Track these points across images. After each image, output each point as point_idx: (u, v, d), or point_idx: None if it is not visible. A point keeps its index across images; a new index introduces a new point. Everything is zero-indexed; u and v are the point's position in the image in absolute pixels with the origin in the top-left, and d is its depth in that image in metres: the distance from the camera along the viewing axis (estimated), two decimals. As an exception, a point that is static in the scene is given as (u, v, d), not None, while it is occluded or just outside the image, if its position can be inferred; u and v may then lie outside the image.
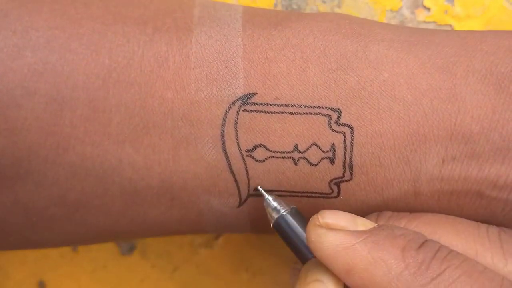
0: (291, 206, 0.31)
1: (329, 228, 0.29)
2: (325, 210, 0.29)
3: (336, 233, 0.28)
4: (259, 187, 0.32)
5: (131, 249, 0.43)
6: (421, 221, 0.31)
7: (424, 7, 0.40)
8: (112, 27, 0.31)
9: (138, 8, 0.32)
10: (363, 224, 0.29)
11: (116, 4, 0.32)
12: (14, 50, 0.29)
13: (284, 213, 0.31)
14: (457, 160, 0.31)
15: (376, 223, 0.30)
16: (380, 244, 0.28)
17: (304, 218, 0.31)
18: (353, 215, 0.30)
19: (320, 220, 0.29)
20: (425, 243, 0.28)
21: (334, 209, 0.31)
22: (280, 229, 0.31)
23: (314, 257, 0.29)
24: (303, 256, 0.31)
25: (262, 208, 0.33)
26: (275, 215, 0.31)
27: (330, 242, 0.28)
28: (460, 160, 0.31)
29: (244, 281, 0.43)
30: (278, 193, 0.32)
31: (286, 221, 0.31)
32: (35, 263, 0.43)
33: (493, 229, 0.31)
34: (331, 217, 0.29)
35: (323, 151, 0.31)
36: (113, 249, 0.43)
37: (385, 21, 0.40)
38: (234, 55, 0.31)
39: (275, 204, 0.31)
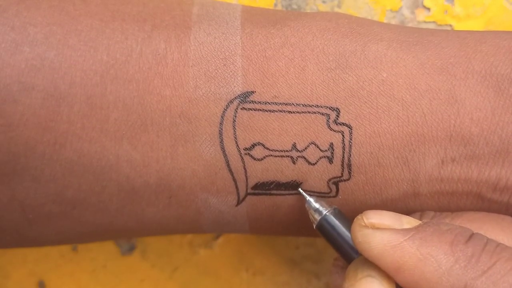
0: (333, 207, 0.31)
1: (375, 227, 0.28)
2: (368, 211, 0.29)
3: (382, 232, 0.28)
4: (299, 189, 0.32)
5: (131, 249, 0.43)
6: (464, 219, 0.30)
7: (424, 7, 0.40)
8: (110, 24, 0.31)
9: (137, 5, 0.32)
10: (408, 222, 0.29)
11: (115, 2, 0.32)
12: (12, 45, 0.29)
13: (327, 214, 0.31)
14: (457, 162, 0.31)
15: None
16: (428, 240, 0.28)
17: (346, 217, 0.31)
18: (397, 213, 0.29)
19: (365, 220, 0.29)
20: (472, 236, 0.28)
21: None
22: (324, 230, 0.31)
23: (360, 255, 0.29)
24: (348, 255, 0.31)
25: (260, 207, 0.33)
26: (318, 217, 0.31)
27: (378, 242, 0.28)
28: (460, 162, 0.31)
29: (244, 281, 0.43)
30: (275, 192, 0.32)
31: (329, 222, 0.31)
32: (35, 263, 0.43)
33: None
34: (376, 217, 0.29)
35: (321, 150, 0.31)
36: (113, 249, 0.43)
37: (385, 21, 0.40)
38: (233, 53, 0.31)
39: (317, 205, 0.31)
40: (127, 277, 0.43)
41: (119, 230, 0.34)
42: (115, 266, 0.43)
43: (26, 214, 0.32)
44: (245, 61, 0.31)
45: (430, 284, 0.27)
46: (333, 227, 0.31)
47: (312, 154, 0.31)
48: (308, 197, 0.31)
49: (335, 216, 0.31)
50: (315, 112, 0.31)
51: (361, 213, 0.30)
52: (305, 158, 0.31)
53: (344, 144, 0.31)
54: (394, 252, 0.28)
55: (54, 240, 0.34)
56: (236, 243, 0.42)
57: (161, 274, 0.43)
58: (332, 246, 0.31)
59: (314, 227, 0.31)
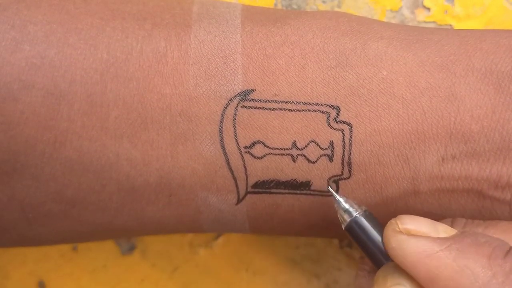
0: (363, 208, 0.30)
1: (410, 234, 0.28)
2: (403, 216, 0.28)
3: (418, 240, 0.27)
4: (329, 187, 0.31)
5: (131, 249, 0.43)
6: (498, 229, 0.30)
7: (424, 7, 0.40)
8: (110, 23, 0.31)
9: (137, 4, 0.32)
10: (444, 230, 0.28)
11: (115, 0, 0.32)
12: (12, 44, 0.29)
13: (357, 216, 0.30)
14: (457, 159, 0.31)
15: None
16: (465, 252, 0.27)
17: (377, 220, 0.30)
18: (432, 221, 0.29)
19: (400, 226, 0.28)
20: (511, 250, 0.27)
21: (332, 207, 0.31)
22: (353, 232, 0.30)
23: (390, 261, 0.29)
24: (377, 259, 0.30)
25: (260, 206, 0.33)
26: (347, 218, 0.30)
27: (413, 249, 0.27)
28: (460, 159, 0.31)
29: (244, 281, 0.42)
30: (275, 190, 0.32)
31: (359, 224, 0.30)
32: (35, 263, 0.43)
33: None
34: (411, 223, 0.28)
35: (321, 148, 0.31)
36: (113, 249, 0.43)
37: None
38: (233, 51, 0.31)
39: (346, 206, 0.31)
40: (127, 277, 0.43)
41: (119, 229, 0.34)
42: (115, 266, 0.43)
43: (26, 213, 0.32)
44: (245, 59, 0.31)
45: None
46: (363, 229, 0.30)
47: (312, 152, 0.31)
48: (338, 197, 0.31)
49: (365, 218, 0.30)
50: (315, 110, 0.31)
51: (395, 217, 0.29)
52: (305, 156, 0.31)
53: (344, 142, 0.31)
54: (430, 262, 0.27)
55: (54, 239, 0.34)
56: (236, 243, 0.42)
57: (161, 274, 0.43)
58: (361, 248, 0.30)
59: (343, 228, 0.31)
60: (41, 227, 0.33)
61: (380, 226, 0.30)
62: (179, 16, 0.32)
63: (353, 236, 0.30)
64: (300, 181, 0.32)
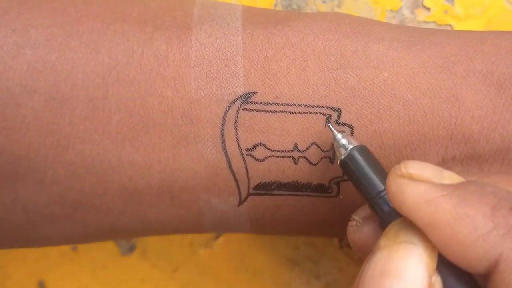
0: (360, 144, 0.29)
1: (412, 178, 0.26)
2: (408, 161, 0.26)
3: (419, 184, 0.26)
4: (329, 124, 0.30)
5: (131, 249, 0.43)
6: (504, 180, 0.28)
7: (424, 7, 0.40)
8: (111, 26, 0.31)
9: (138, 6, 0.32)
10: (450, 177, 0.26)
11: (116, 3, 0.32)
12: (13, 48, 0.29)
13: (352, 149, 0.29)
14: (457, 160, 0.31)
15: None
16: (467, 199, 0.25)
17: (373, 156, 0.29)
18: (439, 167, 0.27)
19: (403, 170, 0.26)
20: None
21: (332, 207, 0.31)
22: (347, 167, 0.29)
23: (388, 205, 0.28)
24: (371, 197, 0.28)
25: (261, 207, 0.33)
26: (344, 152, 0.29)
27: (412, 194, 0.25)
28: (460, 159, 0.31)
29: (244, 281, 0.43)
30: (277, 192, 0.32)
31: (354, 158, 0.29)
32: (35, 263, 0.43)
33: None
34: (415, 167, 0.26)
35: (323, 151, 0.31)
36: (113, 249, 0.43)
37: (385, 21, 0.40)
38: (234, 53, 0.31)
39: (344, 141, 0.29)
40: (127, 277, 0.43)
41: (122, 230, 0.34)
42: (115, 266, 0.43)
43: (29, 216, 0.32)
44: (246, 62, 0.31)
45: (462, 247, 0.24)
46: (357, 162, 0.29)
47: (313, 154, 0.31)
48: (336, 132, 0.30)
49: (361, 152, 0.29)
50: (316, 113, 0.31)
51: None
52: (306, 159, 0.31)
53: None
54: (428, 207, 0.25)
55: (56, 240, 0.34)
56: (236, 243, 0.42)
57: (161, 274, 0.43)
58: (354, 184, 0.29)
59: (339, 163, 0.30)
60: (45, 229, 0.33)
61: (377, 161, 0.29)
62: (180, 19, 0.32)
63: (346, 170, 0.29)
64: (302, 183, 0.32)
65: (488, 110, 0.30)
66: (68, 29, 0.30)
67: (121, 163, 0.31)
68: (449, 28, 0.40)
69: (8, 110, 0.29)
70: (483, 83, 0.31)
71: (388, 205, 0.28)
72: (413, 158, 0.31)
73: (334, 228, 0.34)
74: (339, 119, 0.31)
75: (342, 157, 0.29)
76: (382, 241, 0.26)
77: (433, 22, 0.40)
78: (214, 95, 0.30)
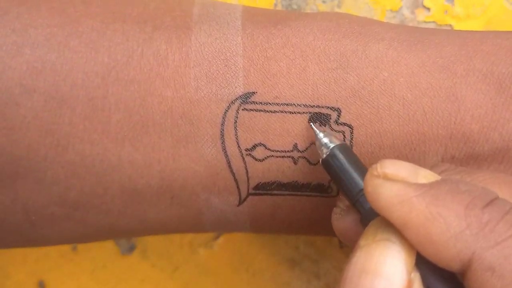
0: (343, 142, 0.30)
1: (387, 178, 0.26)
2: (385, 159, 0.27)
3: (393, 184, 0.26)
4: (311, 123, 0.31)
5: (131, 249, 0.43)
6: (474, 178, 0.28)
7: (424, 7, 0.40)
8: (111, 25, 0.31)
9: (138, 6, 0.32)
10: (425, 176, 0.26)
11: (116, 3, 0.32)
12: (13, 48, 0.29)
13: (334, 148, 0.29)
14: (456, 159, 0.31)
15: None
16: (440, 199, 0.25)
17: (354, 154, 0.29)
18: (415, 165, 0.27)
19: (379, 169, 0.26)
20: (494, 201, 0.25)
21: (333, 207, 0.31)
22: (329, 165, 0.29)
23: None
24: (352, 195, 0.29)
25: (261, 207, 0.33)
26: (326, 151, 0.29)
27: (386, 194, 0.25)
28: (459, 159, 0.31)
29: (244, 281, 0.43)
30: (277, 192, 0.32)
31: (336, 156, 0.29)
32: (35, 263, 0.43)
33: None
34: (391, 167, 0.26)
35: (322, 151, 0.31)
36: (113, 249, 0.43)
37: (385, 21, 0.40)
38: (234, 53, 0.31)
39: (326, 140, 0.30)
40: (127, 277, 0.43)
41: (122, 230, 0.34)
42: (115, 266, 0.43)
43: (29, 216, 0.32)
44: (246, 61, 0.31)
45: (436, 247, 0.25)
46: (339, 161, 0.29)
47: (313, 154, 0.31)
48: (317, 131, 0.30)
49: (342, 150, 0.29)
50: (316, 113, 0.31)
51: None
52: (306, 159, 0.31)
53: None
54: (402, 207, 0.25)
55: (56, 240, 0.34)
56: (236, 243, 0.42)
57: (161, 274, 0.43)
58: (336, 183, 0.30)
59: (321, 161, 0.30)
60: (45, 229, 0.33)
61: (358, 160, 0.29)
62: (180, 19, 0.32)
63: (328, 169, 0.30)
64: (301, 182, 0.32)
65: (488, 109, 0.30)
66: (67, 28, 0.30)
67: (120, 163, 0.31)
68: (449, 28, 0.40)
69: (8, 110, 0.29)
70: (483, 82, 0.31)
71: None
72: (412, 157, 0.31)
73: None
74: (338, 119, 0.31)
75: (324, 156, 0.30)
76: (362, 241, 0.26)
77: (433, 22, 0.40)
78: (214, 95, 0.30)
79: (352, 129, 0.31)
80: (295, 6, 0.41)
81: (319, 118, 0.31)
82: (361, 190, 0.28)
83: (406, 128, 0.31)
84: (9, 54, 0.29)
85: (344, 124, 0.31)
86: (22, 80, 0.29)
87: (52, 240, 0.34)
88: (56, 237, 0.34)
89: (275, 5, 0.41)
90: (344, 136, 0.31)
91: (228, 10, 0.33)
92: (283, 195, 0.32)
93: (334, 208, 0.31)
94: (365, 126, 0.31)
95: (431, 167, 0.29)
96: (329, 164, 0.29)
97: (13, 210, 0.31)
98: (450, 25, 0.40)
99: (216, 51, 0.31)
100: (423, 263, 0.25)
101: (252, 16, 0.32)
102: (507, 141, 0.30)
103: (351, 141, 0.31)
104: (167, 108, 0.30)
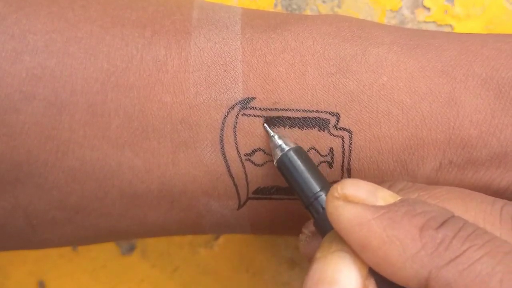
0: (297, 145, 0.30)
1: (347, 200, 0.26)
2: (346, 180, 0.27)
3: (352, 207, 0.26)
4: (265, 125, 0.31)
5: (131, 249, 0.43)
6: (431, 195, 0.28)
7: (424, 7, 0.40)
8: (110, 30, 0.31)
9: (137, 10, 0.32)
10: (383, 197, 0.27)
11: (114, 7, 0.31)
12: (12, 55, 0.29)
13: (288, 150, 0.30)
14: (454, 164, 0.31)
15: None
16: (397, 222, 0.25)
17: (309, 158, 0.30)
18: (375, 185, 0.27)
19: (339, 191, 0.26)
20: (448, 220, 0.26)
21: None
22: (284, 168, 0.30)
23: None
24: (307, 199, 0.29)
25: (261, 211, 0.33)
26: (279, 153, 0.30)
27: (346, 216, 0.26)
28: (457, 163, 0.31)
29: (244, 281, 0.43)
30: (276, 196, 0.32)
31: (290, 159, 0.29)
32: (35, 263, 0.43)
33: (509, 208, 0.28)
34: (350, 188, 0.26)
35: (321, 155, 0.31)
36: (113, 249, 0.43)
37: (385, 21, 0.40)
38: (233, 58, 0.31)
39: (280, 142, 0.30)
40: (127, 277, 0.43)
41: (122, 233, 0.34)
42: (115, 266, 0.43)
43: (30, 220, 0.32)
44: (245, 66, 0.31)
45: (394, 269, 0.25)
46: (293, 164, 0.29)
47: (312, 159, 0.31)
48: (272, 133, 0.30)
49: (296, 153, 0.29)
50: (315, 118, 0.31)
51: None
52: (305, 163, 0.31)
53: (344, 149, 0.31)
54: (360, 230, 0.26)
55: (57, 243, 0.34)
56: (236, 243, 0.43)
57: (161, 274, 0.43)
58: (291, 186, 0.30)
59: (275, 163, 0.30)
60: (46, 233, 0.33)
61: (313, 163, 0.29)
62: (179, 23, 0.31)
63: (282, 172, 0.30)
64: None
65: (487, 114, 0.30)
66: (66, 34, 0.30)
67: (120, 168, 0.31)
68: (449, 28, 0.40)
69: (8, 116, 0.29)
70: (482, 87, 0.31)
71: (323, 207, 0.28)
72: (411, 162, 0.31)
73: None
74: (337, 123, 0.31)
75: (278, 157, 0.30)
76: (318, 253, 0.27)
77: (433, 22, 0.40)
78: (213, 100, 0.30)
79: (351, 134, 0.31)
80: (295, 6, 0.40)
81: (318, 123, 0.31)
82: (315, 193, 0.29)
83: (405, 133, 0.31)
84: (8, 60, 0.29)
85: (343, 129, 0.31)
86: (21, 86, 0.29)
87: (53, 243, 0.34)
88: (57, 240, 0.34)
89: (275, 5, 0.41)
90: (343, 141, 0.31)
91: (227, 13, 0.32)
92: (282, 199, 0.32)
93: (300, 234, 0.31)
94: (364, 131, 0.31)
95: (389, 186, 0.29)
96: (283, 166, 0.30)
97: (14, 215, 0.32)
98: (450, 25, 0.40)
99: (215, 56, 0.31)
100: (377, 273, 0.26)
101: (251, 19, 0.32)
102: (505, 147, 0.30)
103: (350, 146, 0.31)
104: (166, 113, 0.30)
